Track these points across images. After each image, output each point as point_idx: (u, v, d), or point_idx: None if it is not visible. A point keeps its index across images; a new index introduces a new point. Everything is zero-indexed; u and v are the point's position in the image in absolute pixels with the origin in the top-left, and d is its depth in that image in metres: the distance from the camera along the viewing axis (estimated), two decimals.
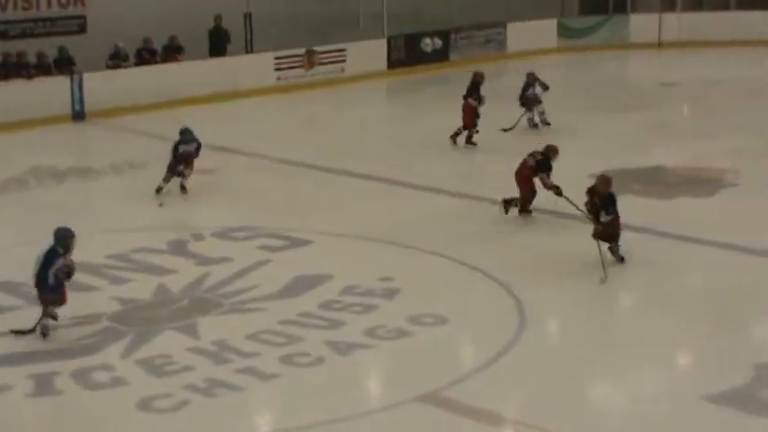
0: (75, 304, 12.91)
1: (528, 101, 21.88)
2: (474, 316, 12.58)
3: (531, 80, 21.91)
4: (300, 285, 13.48)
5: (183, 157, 17.52)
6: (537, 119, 22.10)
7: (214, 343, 11.71)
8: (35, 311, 12.58)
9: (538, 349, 11.73)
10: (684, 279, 13.98)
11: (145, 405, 10.42)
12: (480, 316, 12.59)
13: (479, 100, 20.67)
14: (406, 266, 14.18)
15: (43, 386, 10.88)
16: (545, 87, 22.01)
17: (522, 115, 21.91)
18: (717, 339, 11.86)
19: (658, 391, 10.89)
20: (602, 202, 13.84)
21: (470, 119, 20.68)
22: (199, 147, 17.76)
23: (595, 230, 13.87)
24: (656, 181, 18.31)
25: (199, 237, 15.47)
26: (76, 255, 14.46)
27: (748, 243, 14.71)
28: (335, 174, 19.05)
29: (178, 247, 15.03)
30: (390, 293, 13.14)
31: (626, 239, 14.18)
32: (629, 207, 16.49)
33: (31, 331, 11.82)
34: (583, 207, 14.32)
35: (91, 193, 18.56)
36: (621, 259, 13.98)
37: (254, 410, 10.59)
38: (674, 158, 19.57)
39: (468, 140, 20.79)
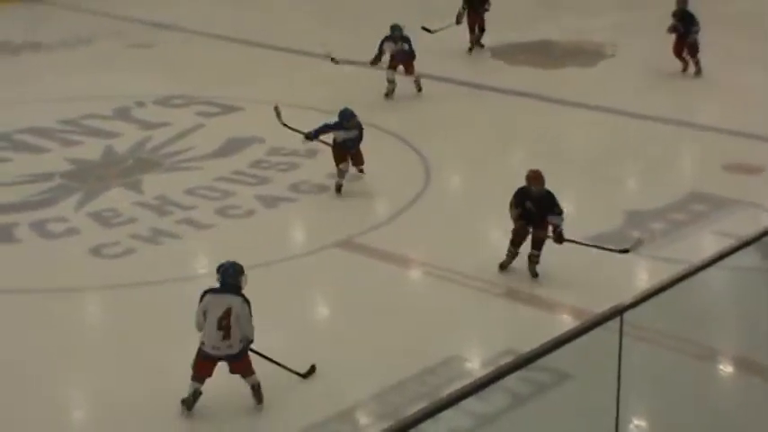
0: (30, 164, 12.70)
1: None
2: (386, 172, 12.50)
3: None
4: (232, 147, 13.31)
5: (341, 146, 11.93)
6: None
7: (156, 198, 11.56)
8: None
9: (441, 201, 11.78)
10: (565, 139, 14.05)
11: (96, 252, 10.30)
12: (391, 172, 12.54)
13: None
14: None
15: (4, 235, 10.69)
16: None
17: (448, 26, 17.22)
18: (593, 190, 11.99)
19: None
20: (542, 206, 9.53)
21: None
22: (360, 135, 11.92)
23: (537, 239, 9.70)
24: (545, 53, 18.24)
25: (141, 104, 15.13)
26: (31, 121, 14.19)
27: (623, 106, 14.80)
28: (264, 48, 18.65)
29: (123, 114, 14.70)
30: (312, 153, 13.02)
31: (518, 104, 14.24)
32: (521, 76, 16.53)
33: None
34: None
35: (43, 65, 17.98)
36: (536, 274, 9.73)
37: (192, 256, 10.50)
38: (559, 33, 19.48)
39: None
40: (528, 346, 5.07)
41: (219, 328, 7.36)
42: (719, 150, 13.03)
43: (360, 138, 11.88)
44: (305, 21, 21.43)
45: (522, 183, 9.64)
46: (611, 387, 5.43)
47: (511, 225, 9.72)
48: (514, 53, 17.92)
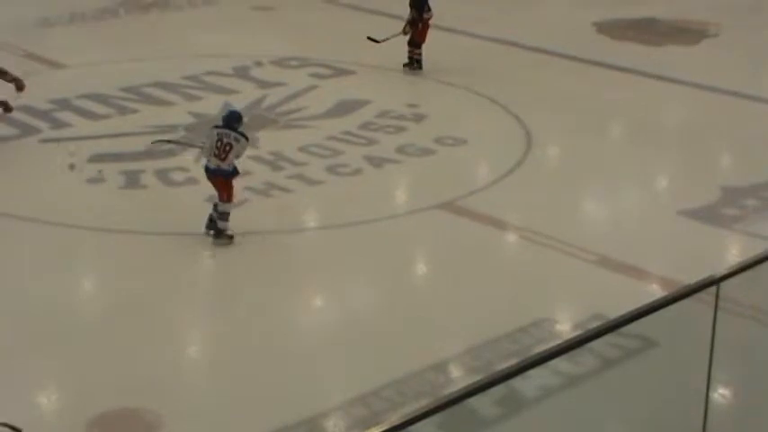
0: (156, 116, 12.99)
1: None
2: (488, 139, 12.52)
3: None
4: (343, 108, 13.40)
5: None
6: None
7: (271, 153, 11.74)
8: (124, 120, 12.73)
9: (540, 169, 11.71)
10: (665, 115, 13.81)
11: (213, 200, 10.51)
12: (494, 139, 12.53)
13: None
14: (432, 96, 14.05)
15: (132, 181, 11.00)
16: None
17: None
18: (690, 165, 11.80)
19: (640, 206, 10.91)
20: None
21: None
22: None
23: None
24: (649, 30, 17.87)
25: (259, 64, 15.32)
26: (157, 75, 14.48)
27: (723, 85, 14.45)
28: (373, 14, 18.64)
29: (242, 72, 14.90)
30: (418, 118, 13.07)
31: (620, 79, 13.96)
32: (624, 52, 16.24)
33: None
34: None
35: (170, 23, 18.29)
36: None
37: (302, 210, 10.67)
38: (664, 11, 19.05)
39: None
40: (616, 312, 5.05)
41: None
42: None
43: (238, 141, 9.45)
44: None
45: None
46: (700, 358, 5.38)
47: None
48: (619, 29, 17.60)
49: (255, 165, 11.40)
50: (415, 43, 14.85)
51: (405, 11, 14.86)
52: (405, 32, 14.83)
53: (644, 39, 17.19)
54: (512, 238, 10.15)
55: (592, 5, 18.94)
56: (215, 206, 9.58)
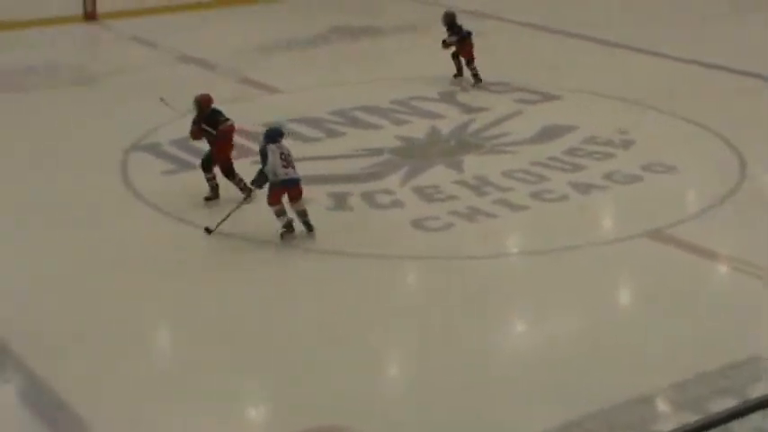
0: (363, 139, 13.25)
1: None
2: (699, 167, 12.09)
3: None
4: (549, 133, 13.27)
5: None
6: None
7: (475, 177, 11.75)
8: (333, 143, 13.04)
9: (755, 198, 11.20)
10: None
11: (418, 224, 10.62)
12: (705, 167, 12.09)
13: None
14: (641, 121, 13.70)
15: (339, 203, 11.24)
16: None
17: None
18: None
19: None
20: None
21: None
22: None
23: None
24: None
25: (464, 89, 15.38)
26: (366, 99, 14.76)
27: None
28: (579, 39, 18.36)
29: (448, 97, 15.00)
30: (626, 144, 12.78)
31: None
32: None
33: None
34: None
35: (378, 48, 18.63)
36: None
37: (506, 236, 10.63)
38: None
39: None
40: None
41: None
42: None
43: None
44: (609, 10, 20.76)
45: None
46: None
47: None
48: None
49: (460, 189, 11.44)
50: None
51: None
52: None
53: None
54: (723, 269, 9.76)
55: None
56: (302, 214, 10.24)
